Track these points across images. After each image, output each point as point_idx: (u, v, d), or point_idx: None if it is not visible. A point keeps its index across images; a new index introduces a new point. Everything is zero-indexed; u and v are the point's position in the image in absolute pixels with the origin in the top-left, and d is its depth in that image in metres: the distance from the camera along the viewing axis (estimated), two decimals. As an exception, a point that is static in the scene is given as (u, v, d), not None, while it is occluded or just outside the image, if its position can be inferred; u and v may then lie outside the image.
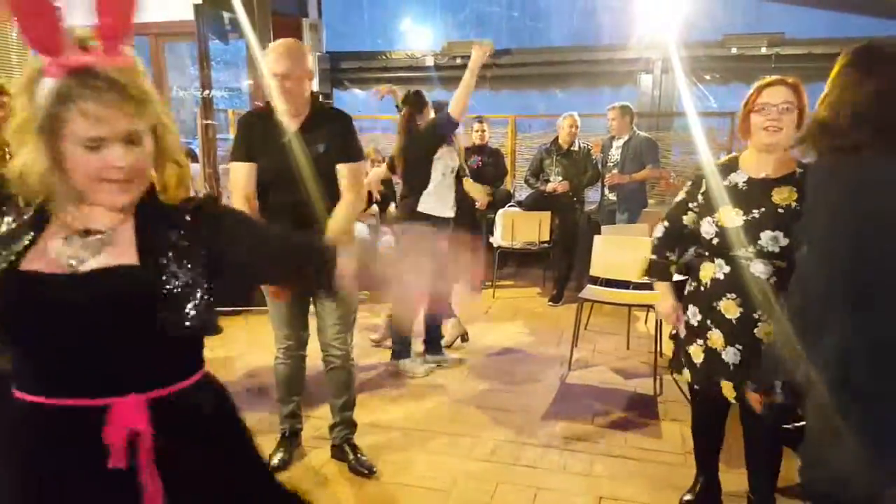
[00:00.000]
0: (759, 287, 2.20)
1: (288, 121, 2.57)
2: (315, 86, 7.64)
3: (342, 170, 2.62)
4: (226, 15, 6.63)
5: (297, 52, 2.54)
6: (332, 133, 2.62)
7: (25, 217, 1.17)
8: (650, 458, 3.07)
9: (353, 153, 2.67)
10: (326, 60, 7.90)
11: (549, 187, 5.70)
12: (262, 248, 1.32)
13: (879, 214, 1.44)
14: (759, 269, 2.20)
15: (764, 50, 6.99)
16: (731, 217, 2.23)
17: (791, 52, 6.96)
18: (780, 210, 2.16)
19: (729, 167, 2.33)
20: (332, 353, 2.84)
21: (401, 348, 4.16)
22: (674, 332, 2.57)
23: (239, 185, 2.65)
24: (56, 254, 1.13)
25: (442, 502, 2.70)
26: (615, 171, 5.61)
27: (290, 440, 2.99)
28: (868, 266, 1.45)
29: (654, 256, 2.51)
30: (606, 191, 5.74)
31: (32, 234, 1.15)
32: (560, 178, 5.65)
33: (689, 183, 2.46)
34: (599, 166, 5.74)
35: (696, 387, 2.49)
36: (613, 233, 5.03)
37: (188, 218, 1.22)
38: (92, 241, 1.15)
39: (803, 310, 1.58)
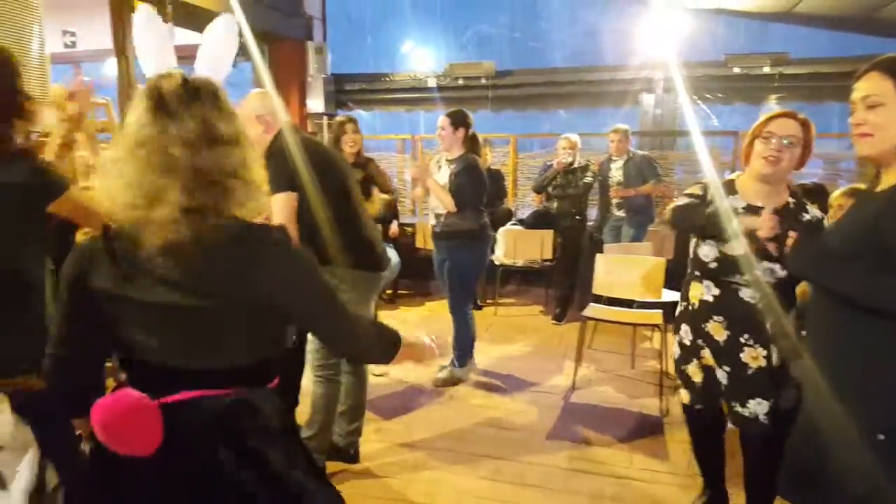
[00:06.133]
0: (748, 312, 2.20)
1: None
2: (320, 107, 7.70)
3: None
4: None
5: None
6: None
7: None
8: (657, 479, 3.04)
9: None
10: (331, 82, 7.95)
11: (555, 162, 5.68)
12: None
13: None
14: (748, 294, 2.21)
15: (767, 69, 7.00)
16: (737, 245, 2.18)
17: (795, 71, 6.95)
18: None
19: (726, 191, 2.29)
20: None
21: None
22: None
23: None
24: None
25: (445, 524, 2.67)
26: (619, 188, 5.67)
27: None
28: None
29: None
30: (613, 208, 5.77)
31: None
32: (568, 160, 5.64)
33: (699, 193, 2.35)
34: (591, 182, 5.71)
35: (697, 406, 2.49)
36: (616, 251, 5.02)
37: None
38: None
39: None
